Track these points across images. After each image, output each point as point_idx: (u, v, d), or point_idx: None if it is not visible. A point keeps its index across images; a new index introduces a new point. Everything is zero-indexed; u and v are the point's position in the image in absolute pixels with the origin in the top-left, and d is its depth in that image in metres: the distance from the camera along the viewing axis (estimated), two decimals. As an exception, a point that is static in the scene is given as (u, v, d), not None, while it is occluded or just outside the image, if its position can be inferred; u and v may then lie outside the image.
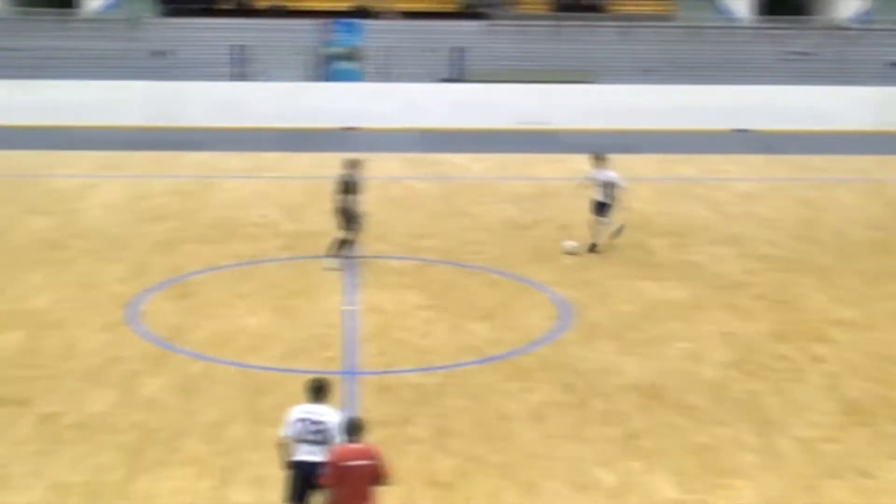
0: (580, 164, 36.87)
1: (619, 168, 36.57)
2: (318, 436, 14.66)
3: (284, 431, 14.81)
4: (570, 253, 24.85)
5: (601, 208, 27.60)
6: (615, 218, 27.78)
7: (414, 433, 18.46)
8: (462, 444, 18.24)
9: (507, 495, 16.82)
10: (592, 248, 27.43)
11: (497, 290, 25.23)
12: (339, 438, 14.55)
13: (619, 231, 27.93)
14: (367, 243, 28.45)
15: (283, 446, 14.82)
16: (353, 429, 13.87)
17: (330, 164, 36.31)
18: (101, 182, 33.54)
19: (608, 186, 27.57)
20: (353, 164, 26.44)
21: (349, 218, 26.09)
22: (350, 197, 26.05)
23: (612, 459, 17.83)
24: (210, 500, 16.51)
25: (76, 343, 22.09)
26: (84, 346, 21.94)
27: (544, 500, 16.68)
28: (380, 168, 36.44)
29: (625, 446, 18.26)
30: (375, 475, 13.69)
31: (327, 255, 26.01)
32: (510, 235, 29.33)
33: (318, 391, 15.03)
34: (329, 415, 14.83)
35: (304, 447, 14.72)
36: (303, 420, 14.71)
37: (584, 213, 31.16)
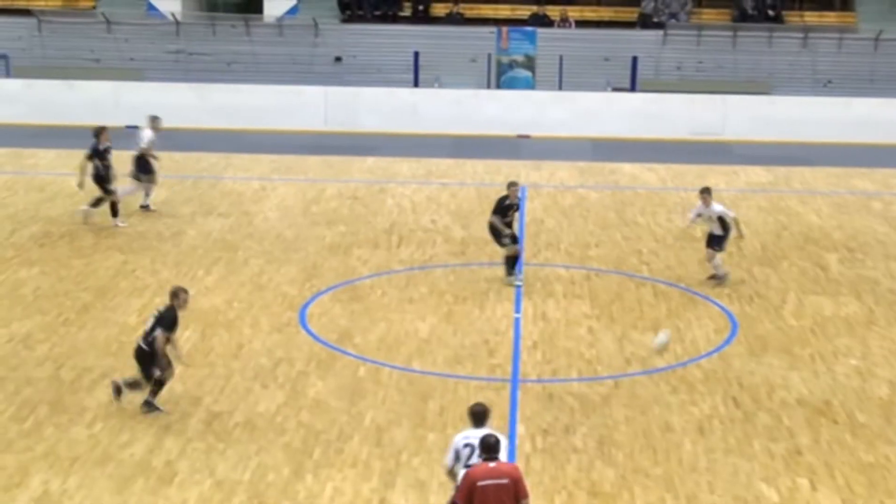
0: (754, 175, 36.54)
1: (796, 181, 36.15)
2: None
3: (450, 460, 14.80)
4: (661, 349, 21.60)
5: (720, 241, 26.10)
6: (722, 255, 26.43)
7: (576, 442, 18.45)
8: (624, 454, 18.18)
9: (668, 508, 16.74)
10: (720, 280, 26.13)
11: (665, 302, 25.06)
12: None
13: (724, 278, 26.31)
14: (537, 251, 28.50)
15: (453, 474, 14.79)
16: (487, 448, 13.82)
17: (503, 172, 36.48)
18: (277, 185, 34.05)
19: (717, 220, 26.00)
20: (510, 186, 26.20)
21: (496, 236, 26.07)
22: (496, 217, 25.93)
23: (777, 475, 17.62)
24: (371, 503, 16.68)
25: (246, 343, 22.49)
26: (254, 347, 22.32)
27: (705, 515, 16.56)
28: (551, 176, 36.44)
29: (790, 462, 18.03)
30: (512, 494, 13.62)
31: (507, 274, 25.96)
32: (680, 246, 29.09)
33: (482, 416, 15.05)
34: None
35: None
36: (469, 445, 14.70)
37: (755, 225, 30.87)
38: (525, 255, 27.88)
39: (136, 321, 23.39)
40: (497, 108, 44.29)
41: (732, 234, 26.19)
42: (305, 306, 24.44)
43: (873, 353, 22.42)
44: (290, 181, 35.33)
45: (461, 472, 14.55)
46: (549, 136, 42.50)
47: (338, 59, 47.56)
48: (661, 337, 21.01)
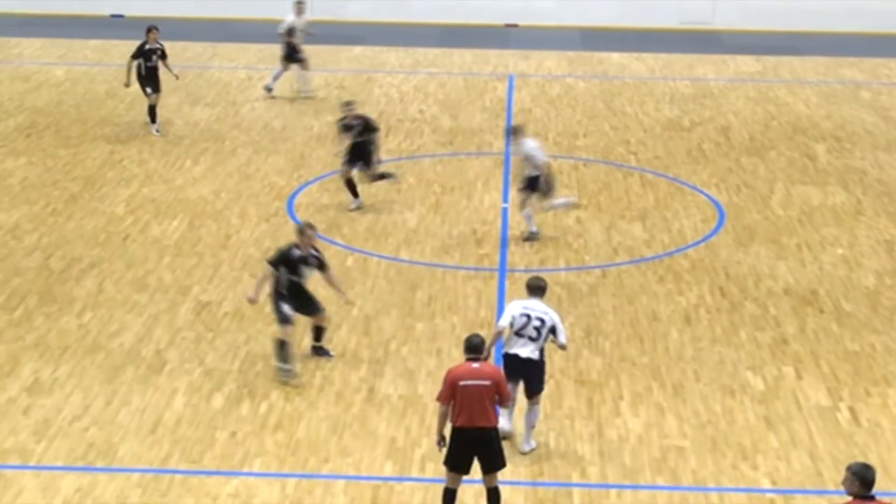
0: (744, 65, 36.37)
1: (785, 70, 36.00)
2: (536, 332, 14.94)
3: (504, 323, 15.20)
4: None
5: (532, 183, 22.14)
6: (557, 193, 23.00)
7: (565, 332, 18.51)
8: (611, 343, 18.31)
9: (654, 396, 16.87)
10: (531, 237, 22.34)
11: (653, 191, 25.06)
12: (562, 337, 15.30)
13: (572, 204, 23.36)
14: (524, 141, 28.42)
15: (498, 335, 15.28)
16: (472, 348, 13.84)
17: (491, 62, 36.28)
18: (263, 75, 33.82)
19: (529, 160, 22.20)
20: (347, 105, 24.13)
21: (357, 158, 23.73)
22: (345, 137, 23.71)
23: (763, 364, 17.78)
24: (359, 391, 16.80)
25: (234, 233, 22.50)
26: (242, 236, 22.34)
27: (692, 402, 16.71)
28: (539, 66, 36.26)
29: (776, 351, 18.18)
30: (494, 395, 13.68)
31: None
32: (668, 136, 29.03)
33: (541, 290, 15.46)
34: (550, 314, 15.23)
35: (521, 342, 15.10)
36: (526, 315, 15.10)
37: (743, 115, 30.80)
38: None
39: (124, 211, 23.41)
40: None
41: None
42: (293, 196, 24.42)
43: (860, 243, 22.50)
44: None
45: (512, 339, 15.03)
46: (537, 24, 42.22)
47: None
48: None
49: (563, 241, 22.40)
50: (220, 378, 17.15)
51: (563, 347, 15.53)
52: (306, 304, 17.38)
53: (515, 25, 42.74)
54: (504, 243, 22.25)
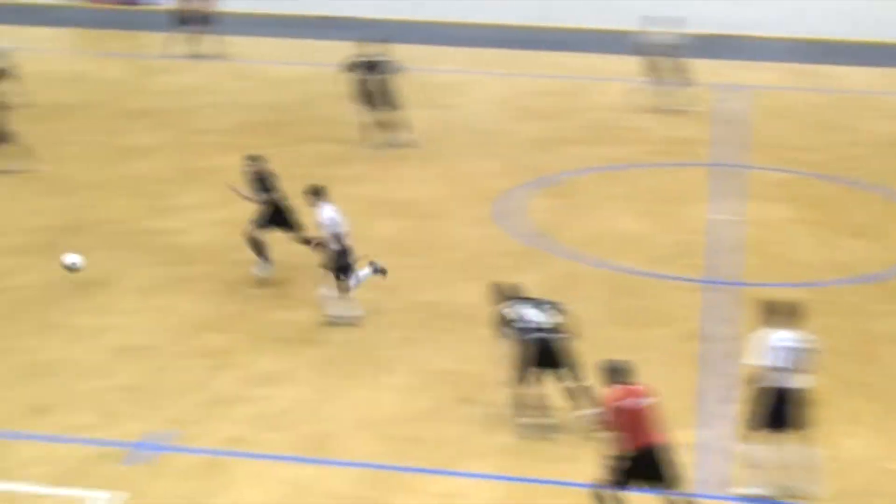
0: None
1: None
2: (796, 362, 14.38)
3: (761, 358, 14.39)
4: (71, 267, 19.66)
5: (339, 260, 18.87)
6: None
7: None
8: (828, 362, 17.84)
9: (869, 416, 16.47)
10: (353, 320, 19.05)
11: (873, 208, 24.51)
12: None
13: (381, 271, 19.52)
14: (742, 153, 28.04)
15: (759, 374, 14.47)
16: (621, 372, 13.56)
17: (718, 72, 35.71)
18: (477, 79, 33.98)
19: (327, 228, 18.93)
20: (254, 159, 21.08)
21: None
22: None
23: None
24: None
25: (445, 235, 22.58)
26: (453, 239, 22.40)
27: (911, 426, 16.28)
28: (760, 78, 35.75)
29: None
30: (656, 413, 13.43)
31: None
32: (892, 152, 28.38)
33: (794, 314, 14.65)
34: (809, 341, 14.54)
35: (786, 375, 14.39)
36: (790, 348, 14.38)
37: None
38: (731, 157, 27.57)
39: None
40: (698, 4, 43.19)
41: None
42: (505, 201, 24.41)
43: None
44: (489, 75, 35.24)
45: (775, 374, 14.25)
46: (754, 35, 41.64)
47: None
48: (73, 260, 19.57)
49: (777, 255, 22.00)
50: (437, 378, 17.19)
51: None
52: None
53: (728, 35, 42.15)
54: (716, 255, 21.95)
